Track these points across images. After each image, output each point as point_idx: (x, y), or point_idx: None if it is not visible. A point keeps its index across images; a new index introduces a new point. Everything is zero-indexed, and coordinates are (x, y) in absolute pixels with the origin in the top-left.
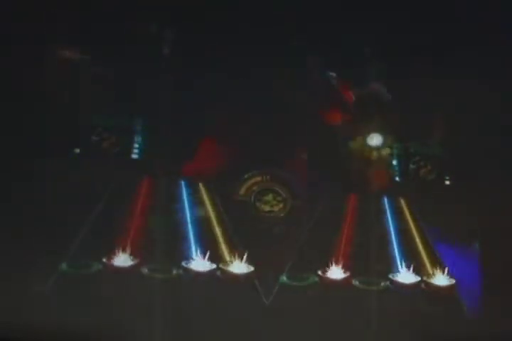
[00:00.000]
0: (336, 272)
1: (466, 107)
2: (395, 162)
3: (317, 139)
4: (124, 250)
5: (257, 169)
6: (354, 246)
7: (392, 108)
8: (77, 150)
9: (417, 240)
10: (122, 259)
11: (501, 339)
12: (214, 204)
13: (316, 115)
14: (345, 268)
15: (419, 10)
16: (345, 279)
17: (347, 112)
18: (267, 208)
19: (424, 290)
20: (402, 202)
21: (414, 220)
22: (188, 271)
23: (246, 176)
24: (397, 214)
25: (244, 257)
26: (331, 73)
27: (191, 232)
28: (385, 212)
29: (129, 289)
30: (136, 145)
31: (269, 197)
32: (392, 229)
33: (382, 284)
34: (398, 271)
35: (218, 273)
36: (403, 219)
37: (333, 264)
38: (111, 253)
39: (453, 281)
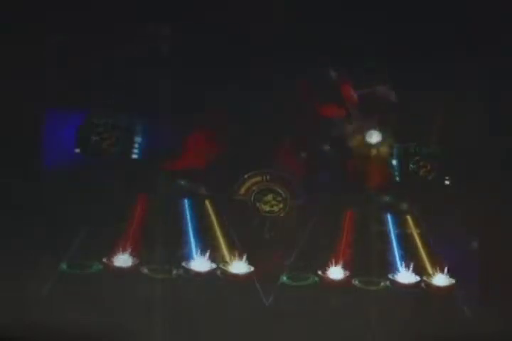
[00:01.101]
0: (336, 272)
1: (467, 107)
2: (395, 162)
3: (317, 139)
4: (124, 250)
5: (256, 169)
6: (354, 246)
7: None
8: (77, 150)
9: (417, 240)
10: (122, 259)
11: (501, 340)
12: (214, 204)
13: (316, 115)
14: (345, 268)
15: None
16: (345, 279)
17: (347, 112)
18: (267, 208)
19: (424, 290)
20: (402, 201)
21: (414, 220)
22: (188, 271)
23: (246, 176)
24: (397, 213)
25: (244, 257)
26: (331, 72)
27: (191, 232)
28: (384, 212)
29: (129, 289)
30: (136, 145)
31: (269, 197)
32: (391, 228)
33: (382, 284)
34: (398, 271)
35: (218, 273)
36: (403, 219)
37: (333, 264)
38: (111, 253)
39: (453, 281)
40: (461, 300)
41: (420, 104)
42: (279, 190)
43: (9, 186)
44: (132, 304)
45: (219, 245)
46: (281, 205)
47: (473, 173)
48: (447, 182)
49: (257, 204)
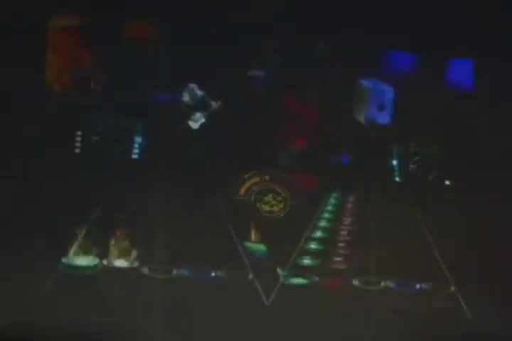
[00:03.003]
0: (335, 272)
1: (467, 107)
2: (395, 162)
3: (317, 139)
4: (124, 250)
5: (256, 169)
6: (354, 246)
7: None
8: (77, 150)
9: (417, 240)
10: (122, 259)
11: (501, 340)
12: (213, 205)
13: (316, 114)
14: (345, 267)
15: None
16: (344, 279)
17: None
18: (266, 208)
19: (423, 290)
20: (402, 201)
21: (414, 220)
22: (187, 271)
23: (246, 176)
24: (397, 213)
25: (245, 257)
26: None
27: (191, 232)
28: (384, 212)
29: (129, 289)
30: (137, 145)
31: (269, 197)
32: (391, 228)
33: (382, 284)
34: (398, 271)
35: (218, 273)
36: (402, 219)
37: (333, 264)
38: (111, 253)
39: (452, 282)
40: (461, 300)
41: (420, 103)
42: (279, 190)
43: (9, 186)
44: (132, 304)
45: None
46: (281, 205)
47: (474, 173)
48: (447, 182)
49: (257, 205)
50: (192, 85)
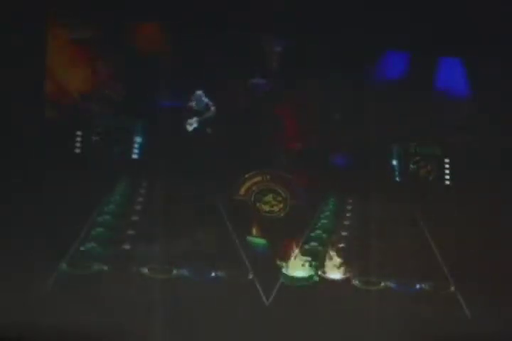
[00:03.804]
0: (335, 272)
1: (467, 107)
2: (395, 162)
3: (317, 139)
4: (124, 250)
5: (256, 169)
6: (354, 246)
7: None
8: (77, 150)
9: (416, 240)
10: (123, 259)
11: (501, 340)
12: (213, 205)
13: (316, 114)
14: (345, 268)
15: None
16: (345, 279)
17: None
18: (266, 208)
19: (423, 290)
20: (402, 201)
21: (414, 220)
22: (187, 271)
23: (246, 176)
24: (396, 214)
25: (245, 257)
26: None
27: (191, 232)
28: (384, 212)
29: (129, 289)
30: (137, 145)
31: (269, 197)
32: (391, 228)
33: (382, 284)
34: (398, 271)
35: (218, 273)
36: (402, 219)
37: (333, 264)
38: (111, 253)
39: (452, 282)
40: (461, 300)
41: (420, 104)
42: (279, 190)
43: (9, 186)
44: (132, 304)
45: (219, 245)
46: (281, 205)
47: (474, 173)
48: (447, 182)
49: (257, 205)
50: (199, 92)
